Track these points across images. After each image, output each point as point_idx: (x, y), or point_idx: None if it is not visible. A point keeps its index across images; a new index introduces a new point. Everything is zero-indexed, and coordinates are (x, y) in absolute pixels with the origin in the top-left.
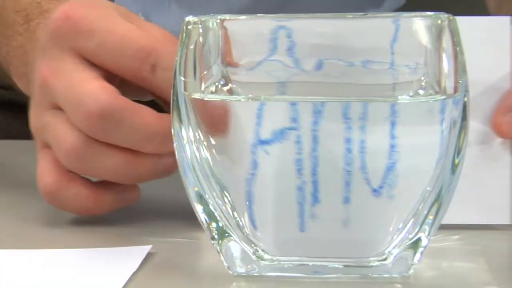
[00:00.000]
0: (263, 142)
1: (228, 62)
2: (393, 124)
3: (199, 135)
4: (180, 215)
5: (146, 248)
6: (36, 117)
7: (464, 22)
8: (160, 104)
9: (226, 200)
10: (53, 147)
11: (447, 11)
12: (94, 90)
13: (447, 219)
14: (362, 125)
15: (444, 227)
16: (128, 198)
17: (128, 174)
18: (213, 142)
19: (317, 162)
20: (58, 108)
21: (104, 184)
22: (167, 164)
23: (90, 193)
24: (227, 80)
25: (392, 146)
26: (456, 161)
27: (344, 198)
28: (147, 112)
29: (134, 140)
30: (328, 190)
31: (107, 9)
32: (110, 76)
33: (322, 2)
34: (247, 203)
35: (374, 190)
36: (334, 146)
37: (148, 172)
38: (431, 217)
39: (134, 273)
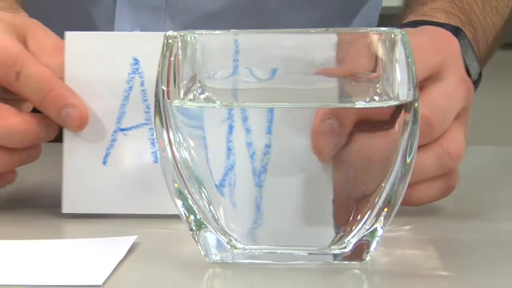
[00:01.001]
0: (230, 145)
1: (204, 72)
2: None
3: (179, 137)
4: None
5: (132, 238)
6: None
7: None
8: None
9: (203, 195)
10: None
11: None
12: None
13: None
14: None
15: (397, 219)
16: (4, 180)
17: None
18: (192, 144)
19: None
20: None
21: None
22: (30, 155)
23: None
24: (203, 89)
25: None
26: (408, 160)
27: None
28: (9, 113)
29: None
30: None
31: None
32: None
33: (298, 20)
34: (222, 198)
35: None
36: (286, 147)
37: (14, 162)
38: (386, 209)
39: (121, 261)
